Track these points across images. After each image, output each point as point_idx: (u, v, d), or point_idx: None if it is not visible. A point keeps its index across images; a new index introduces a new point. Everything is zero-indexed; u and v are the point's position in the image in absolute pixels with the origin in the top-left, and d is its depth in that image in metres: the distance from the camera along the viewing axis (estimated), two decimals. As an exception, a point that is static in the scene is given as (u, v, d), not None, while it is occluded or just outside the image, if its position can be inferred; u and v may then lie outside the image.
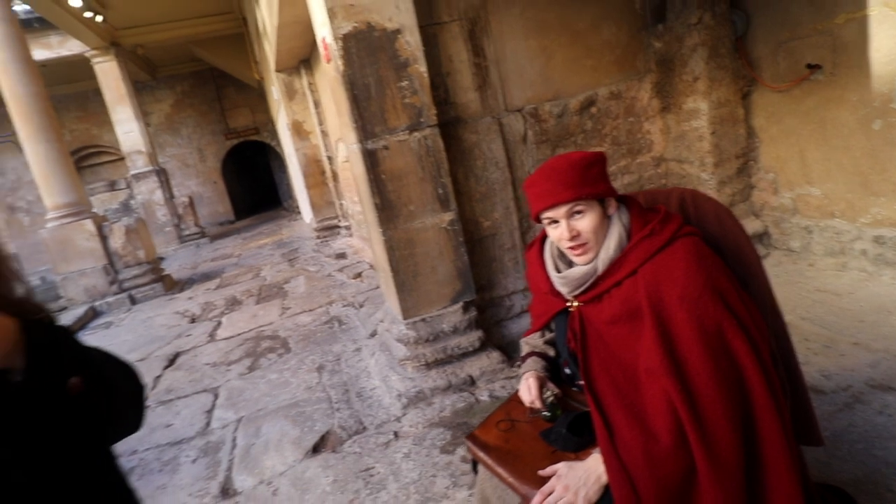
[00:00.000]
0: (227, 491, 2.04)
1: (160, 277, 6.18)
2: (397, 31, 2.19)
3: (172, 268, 7.71)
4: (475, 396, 2.28)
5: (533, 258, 1.23)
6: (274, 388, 2.91)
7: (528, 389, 1.17)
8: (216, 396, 2.99)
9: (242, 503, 1.95)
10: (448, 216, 2.37)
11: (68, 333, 0.69)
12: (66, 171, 5.78)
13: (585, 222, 1.02)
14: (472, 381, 2.35)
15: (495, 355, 2.42)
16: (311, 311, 4.19)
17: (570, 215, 1.03)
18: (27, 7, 6.82)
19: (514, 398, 1.26)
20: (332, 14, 2.12)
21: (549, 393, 1.16)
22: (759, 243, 2.90)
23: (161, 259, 6.76)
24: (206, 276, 6.75)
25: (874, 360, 1.86)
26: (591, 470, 0.95)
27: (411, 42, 2.21)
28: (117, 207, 12.22)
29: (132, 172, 9.42)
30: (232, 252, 8.50)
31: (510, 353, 2.49)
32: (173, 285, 6.31)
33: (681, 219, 1.06)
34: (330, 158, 6.36)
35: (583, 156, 1.05)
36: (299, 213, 10.87)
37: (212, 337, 4.15)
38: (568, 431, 1.07)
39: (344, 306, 4.07)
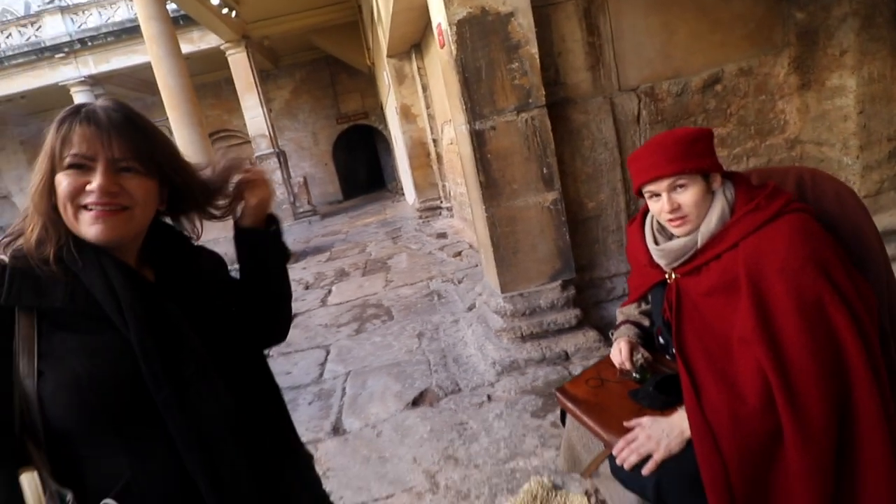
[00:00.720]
0: (337, 429, 2.42)
1: (281, 249, 7.11)
2: (510, 14, 2.36)
3: (288, 241, 8.65)
4: (568, 370, 2.43)
5: (634, 232, 1.32)
6: (378, 349, 3.31)
7: (619, 352, 1.30)
8: (328, 352, 3.48)
9: (350, 440, 2.30)
10: (552, 195, 2.51)
11: None
12: (206, 151, 6.90)
13: (687, 196, 1.09)
14: (566, 356, 2.50)
15: (592, 334, 2.53)
16: (412, 284, 4.58)
17: (672, 189, 1.09)
18: (174, 6, 8.05)
19: (606, 360, 1.40)
20: (448, 1, 2.34)
21: (639, 356, 1.28)
22: (911, 237, 2.60)
23: (280, 233, 7.74)
24: (318, 250, 7.57)
25: None
26: (675, 424, 1.05)
27: (524, 24, 2.37)
28: (243, 186, 14.00)
29: (256, 154, 10.76)
30: (340, 229, 9.39)
31: (608, 334, 2.58)
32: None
33: (790, 195, 1.10)
34: (435, 141, 6.75)
35: (688, 131, 1.12)
36: (403, 194, 11.57)
37: (323, 302, 4.74)
38: (655, 390, 1.19)
39: (443, 281, 4.39)
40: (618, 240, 2.73)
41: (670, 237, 1.19)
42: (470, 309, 3.42)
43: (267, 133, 10.56)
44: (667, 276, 1.22)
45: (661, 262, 1.21)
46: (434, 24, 2.69)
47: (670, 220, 1.13)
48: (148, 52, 6.65)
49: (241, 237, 0.90)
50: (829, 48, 2.57)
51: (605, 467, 1.19)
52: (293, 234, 9.85)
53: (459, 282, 4.19)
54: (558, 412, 2.11)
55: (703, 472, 0.97)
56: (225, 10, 8.39)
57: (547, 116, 2.45)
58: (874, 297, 1.04)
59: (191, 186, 0.80)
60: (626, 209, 2.70)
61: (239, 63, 10.07)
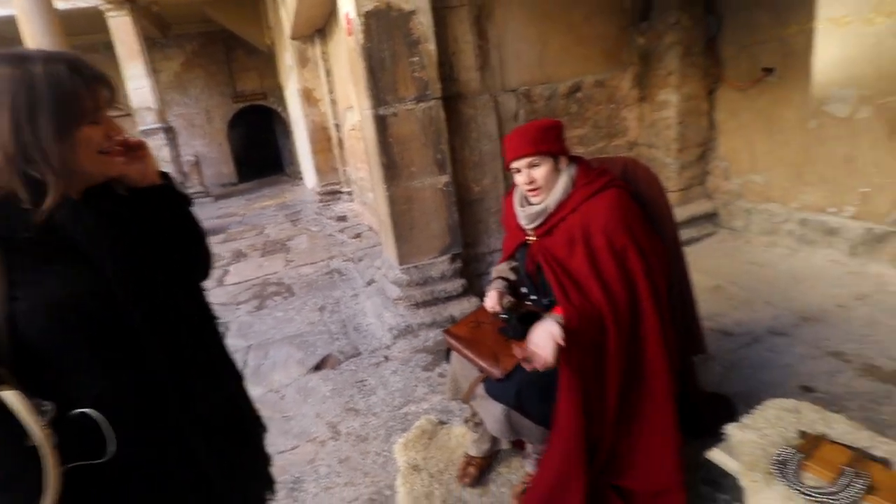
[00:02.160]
0: None
1: (169, 228, 6.47)
2: (412, 12, 2.50)
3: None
4: (455, 332, 2.68)
5: (508, 202, 1.59)
6: (280, 323, 3.29)
7: (490, 297, 1.54)
8: (227, 329, 3.36)
9: None
10: (444, 179, 2.73)
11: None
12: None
13: (539, 172, 1.37)
14: (453, 320, 2.74)
15: (474, 300, 2.81)
16: (313, 263, 4.55)
17: (530, 166, 1.37)
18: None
19: (482, 308, 1.64)
20: (357, -7, 2.41)
21: (506, 300, 1.53)
22: (709, 222, 3.30)
23: (169, 212, 7.02)
24: (212, 231, 7.03)
25: (777, 314, 2.29)
26: (547, 324, 1.29)
27: (424, 23, 2.52)
28: (122, 162, 12.32)
29: (140, 129, 9.57)
30: (236, 211, 8.80)
31: (488, 301, 2.88)
32: (181, 237, 6.61)
33: (613, 175, 1.43)
34: (337, 126, 6.64)
35: (544, 122, 1.40)
36: (301, 178, 11.12)
37: (220, 282, 4.50)
38: (519, 323, 1.45)
39: (344, 261, 4.43)
40: (498, 220, 3.04)
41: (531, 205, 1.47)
42: (369, 284, 3.54)
43: (153, 106, 9.44)
44: (528, 238, 1.49)
45: (524, 223, 1.47)
46: (342, 13, 2.72)
47: (528, 190, 1.41)
48: (13, 5, 5.57)
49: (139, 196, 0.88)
50: (660, 69, 3.11)
51: (479, 390, 1.42)
52: (184, 216, 9.00)
53: (359, 260, 4.28)
54: (445, 365, 2.38)
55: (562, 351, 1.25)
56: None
57: (442, 108, 2.64)
58: (664, 250, 1.41)
59: None
60: (505, 194, 3.01)
61: (121, 27, 8.81)
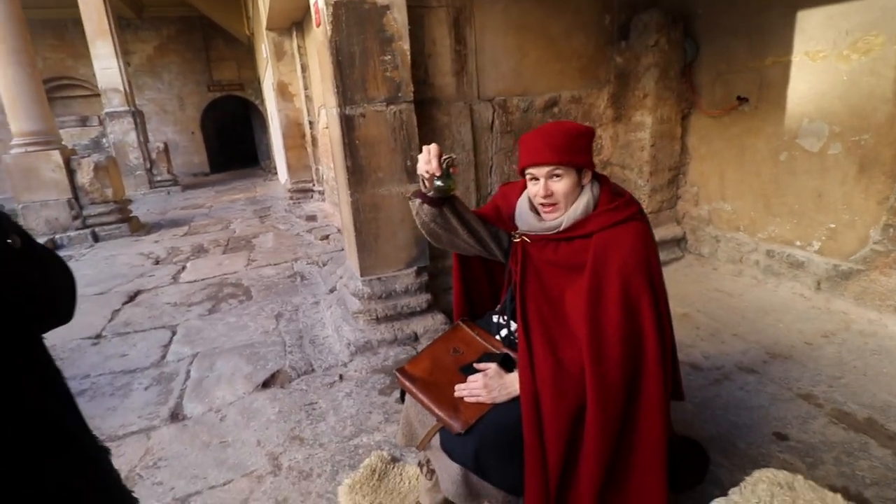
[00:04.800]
0: (176, 415, 2.08)
1: (127, 218, 5.94)
2: (386, 7, 2.23)
3: (140, 211, 7.39)
4: (416, 350, 2.42)
5: (512, 190, 1.30)
6: (232, 330, 2.94)
7: (427, 153, 1.07)
8: (174, 333, 2.99)
9: (190, 426, 1.99)
10: (413, 187, 2.46)
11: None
12: (37, 98, 5.41)
13: (561, 185, 1.11)
14: (415, 337, 2.49)
15: (440, 317, 2.56)
16: (276, 265, 4.19)
17: (550, 176, 1.11)
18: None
19: (439, 341, 1.39)
20: (326, -20, 2.13)
21: (446, 157, 1.08)
22: (677, 247, 3.17)
23: (129, 201, 6.45)
24: (175, 223, 6.54)
25: (745, 349, 2.14)
26: (510, 382, 1.11)
27: (398, 19, 2.26)
28: (87, 144, 11.43)
29: (107, 110, 8.88)
30: (203, 203, 8.23)
31: (453, 318, 2.64)
32: (139, 228, 6.09)
33: (639, 205, 1.18)
34: (311, 123, 6.25)
35: (575, 126, 1.12)
36: (275, 173, 10.59)
37: (175, 279, 4.09)
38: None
39: (308, 263, 4.10)
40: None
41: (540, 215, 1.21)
42: (331, 291, 3.24)
43: (121, 88, 8.75)
44: (514, 235, 1.24)
45: (523, 227, 1.21)
46: (311, 1, 2.42)
47: (543, 204, 1.14)
48: None
49: None
50: (637, 90, 2.95)
51: (435, 440, 1.17)
52: (147, 205, 8.37)
53: (324, 264, 3.95)
54: (396, 376, 2.11)
55: (524, 424, 1.03)
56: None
57: (414, 112, 2.38)
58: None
59: None
60: (478, 206, 2.78)
61: (91, 3, 8.11)
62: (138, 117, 9.14)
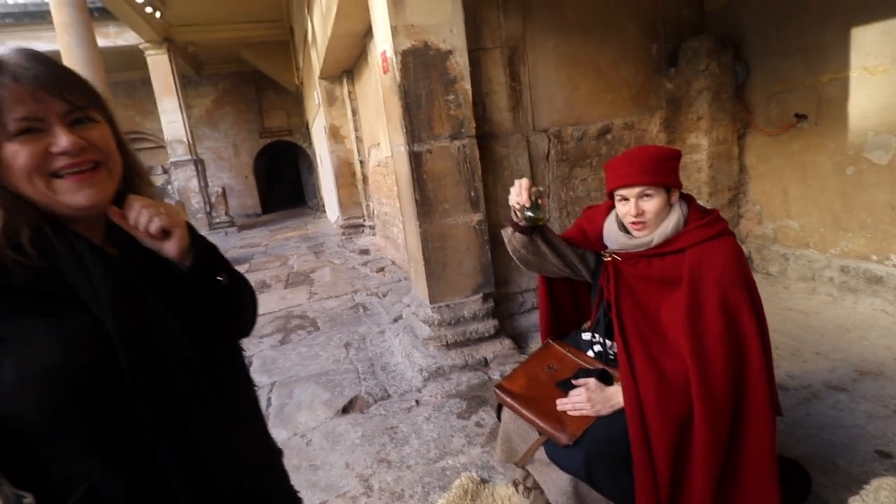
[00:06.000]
0: None
1: (195, 257, 6.39)
2: (449, 52, 2.44)
3: (203, 250, 7.93)
4: (488, 375, 2.49)
5: (597, 213, 1.38)
6: (304, 360, 3.10)
7: (518, 186, 1.19)
8: (250, 364, 3.18)
9: None
10: (477, 216, 2.60)
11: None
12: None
13: (651, 204, 1.17)
14: (485, 363, 2.56)
15: (507, 342, 2.63)
16: (337, 297, 4.40)
17: (641, 196, 1.17)
18: (91, -4, 7.07)
19: (532, 359, 1.46)
20: (395, 32, 2.36)
21: (535, 189, 1.20)
22: (744, 266, 3.12)
23: (195, 241, 6.97)
24: (236, 261, 6.97)
25: (832, 367, 2.08)
26: (611, 395, 1.16)
27: (460, 62, 2.46)
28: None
29: (172, 160, 9.72)
30: (260, 242, 8.74)
31: (519, 343, 2.70)
32: (206, 265, 6.52)
33: (727, 222, 1.23)
34: (362, 162, 6.64)
35: (662, 149, 1.22)
36: (324, 211, 11.13)
37: (244, 312, 4.35)
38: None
39: (368, 295, 4.28)
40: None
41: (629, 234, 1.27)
42: (395, 320, 3.37)
43: (185, 139, 9.60)
44: (605, 255, 1.30)
45: (614, 247, 1.28)
46: (379, 51, 2.68)
47: (633, 223, 1.21)
48: (58, 41, 5.70)
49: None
50: (690, 114, 3.02)
51: (538, 454, 1.24)
52: (208, 244, 8.96)
53: (384, 295, 4.12)
54: (481, 413, 2.18)
55: (631, 437, 1.06)
56: (149, 10, 7.53)
57: (476, 146, 2.55)
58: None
59: (130, 152, 0.67)
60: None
61: (159, 65, 9.09)
62: (199, 165, 9.95)
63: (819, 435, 1.69)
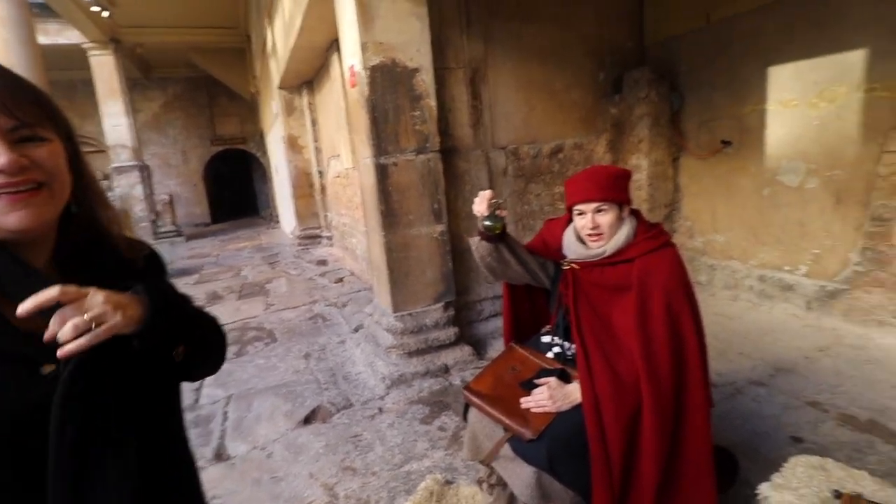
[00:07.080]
0: (220, 455, 2.11)
1: (139, 267, 6.01)
2: (416, 70, 2.52)
3: (147, 260, 7.45)
4: (448, 381, 2.55)
5: (556, 225, 1.49)
6: (262, 371, 3.01)
7: (481, 197, 1.29)
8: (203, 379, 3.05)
9: (238, 465, 2.03)
10: (440, 228, 2.68)
11: (169, 285, 0.66)
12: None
13: (606, 218, 1.28)
14: (446, 369, 2.62)
15: (467, 349, 2.71)
16: (294, 308, 4.29)
17: (597, 211, 1.28)
18: (31, -8, 6.58)
19: (497, 361, 1.54)
20: (364, 48, 2.40)
21: (493, 201, 1.30)
22: (680, 275, 3.40)
23: (139, 250, 6.53)
24: (184, 272, 6.61)
25: (753, 365, 2.33)
26: (571, 392, 1.25)
27: (426, 80, 2.55)
28: (90, 197, 11.57)
29: (114, 165, 9.10)
30: (210, 252, 8.34)
31: (478, 349, 2.79)
32: (151, 276, 6.14)
33: (669, 235, 1.37)
34: (321, 173, 6.55)
35: (615, 169, 1.33)
36: (278, 221, 10.80)
37: (195, 324, 4.15)
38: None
39: (327, 305, 4.22)
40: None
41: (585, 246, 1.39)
42: (356, 330, 3.36)
43: (129, 144, 9.03)
44: (563, 263, 1.41)
45: (572, 256, 1.39)
46: (347, 65, 2.72)
47: (590, 234, 1.33)
48: None
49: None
50: (632, 136, 3.28)
51: (504, 450, 1.31)
52: (153, 254, 8.42)
53: (344, 305, 4.08)
54: (443, 417, 2.23)
55: (588, 429, 1.16)
56: (96, 9, 7.06)
57: (440, 160, 2.64)
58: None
59: (87, 172, 0.60)
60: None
61: (104, 66, 8.52)
62: (145, 171, 9.38)
63: (744, 425, 1.89)
